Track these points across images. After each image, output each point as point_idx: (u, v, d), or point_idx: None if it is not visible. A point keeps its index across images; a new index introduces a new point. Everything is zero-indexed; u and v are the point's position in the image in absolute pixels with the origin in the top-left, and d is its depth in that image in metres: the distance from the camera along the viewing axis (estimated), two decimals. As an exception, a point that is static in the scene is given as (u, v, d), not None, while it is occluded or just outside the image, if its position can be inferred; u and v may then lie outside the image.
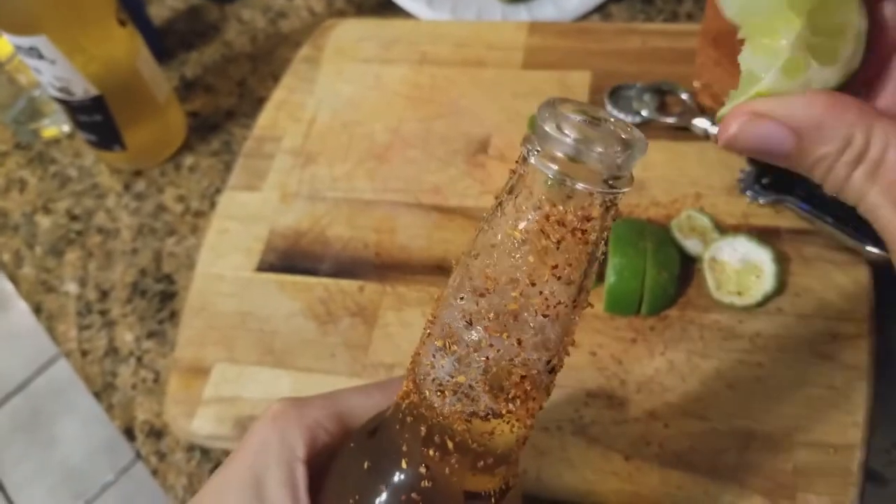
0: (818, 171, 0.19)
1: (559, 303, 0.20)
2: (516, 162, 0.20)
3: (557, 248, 0.20)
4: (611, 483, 0.38)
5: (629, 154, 0.19)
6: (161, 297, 0.51)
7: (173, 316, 0.50)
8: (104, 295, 0.52)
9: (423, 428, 0.23)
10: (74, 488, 1.29)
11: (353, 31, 0.62)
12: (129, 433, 0.46)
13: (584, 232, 0.20)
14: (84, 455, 1.32)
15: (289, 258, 0.49)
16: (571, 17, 0.62)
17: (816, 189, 0.44)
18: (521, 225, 0.20)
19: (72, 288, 0.52)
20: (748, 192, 0.46)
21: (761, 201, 0.46)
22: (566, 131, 0.19)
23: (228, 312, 0.47)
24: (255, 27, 0.67)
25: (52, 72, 0.48)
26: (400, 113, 0.56)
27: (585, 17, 0.62)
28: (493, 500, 0.24)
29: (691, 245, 0.45)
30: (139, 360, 0.48)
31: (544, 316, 0.21)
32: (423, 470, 0.23)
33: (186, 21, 0.69)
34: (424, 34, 0.60)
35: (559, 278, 0.20)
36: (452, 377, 0.22)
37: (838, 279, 0.43)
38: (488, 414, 0.22)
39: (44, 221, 0.57)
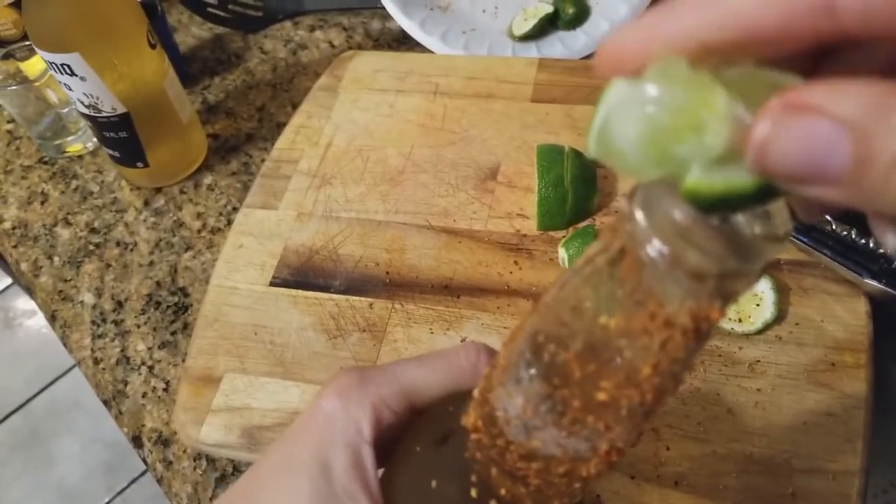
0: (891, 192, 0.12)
1: (657, 391, 0.18)
2: (616, 220, 0.17)
3: (662, 348, 0.17)
4: (612, 501, 0.39)
5: (763, 251, 0.15)
6: (175, 309, 0.52)
7: (186, 327, 0.51)
8: (119, 305, 0.53)
9: (493, 469, 0.21)
10: (69, 510, 1.28)
11: (369, 63, 0.64)
12: (136, 441, 0.47)
13: (697, 330, 0.16)
14: (81, 476, 1.32)
15: (302, 274, 0.50)
16: (579, 55, 0.65)
17: (815, 223, 0.46)
18: (617, 319, 0.17)
19: (88, 298, 0.54)
20: (749, 224, 0.47)
21: (762, 233, 0.47)
22: (677, 213, 0.15)
23: (241, 324, 0.48)
24: (276, 57, 0.70)
25: (82, 88, 0.51)
26: (412, 140, 0.58)
27: (592, 55, 0.65)
28: None
29: (693, 272, 0.46)
30: (150, 369, 0.49)
31: (640, 404, 0.18)
32: None
33: (210, 49, 0.71)
34: (438, 67, 0.63)
35: (660, 374, 0.17)
36: (527, 440, 0.20)
37: (837, 310, 0.44)
38: (564, 474, 0.20)
39: (63, 233, 0.58)
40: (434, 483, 0.23)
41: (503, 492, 0.21)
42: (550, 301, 0.19)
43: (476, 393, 0.22)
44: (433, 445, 0.24)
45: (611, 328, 0.17)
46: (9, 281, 1.58)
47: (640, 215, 0.16)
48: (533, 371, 0.19)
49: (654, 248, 0.15)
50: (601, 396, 0.18)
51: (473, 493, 0.22)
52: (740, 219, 0.15)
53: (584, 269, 0.18)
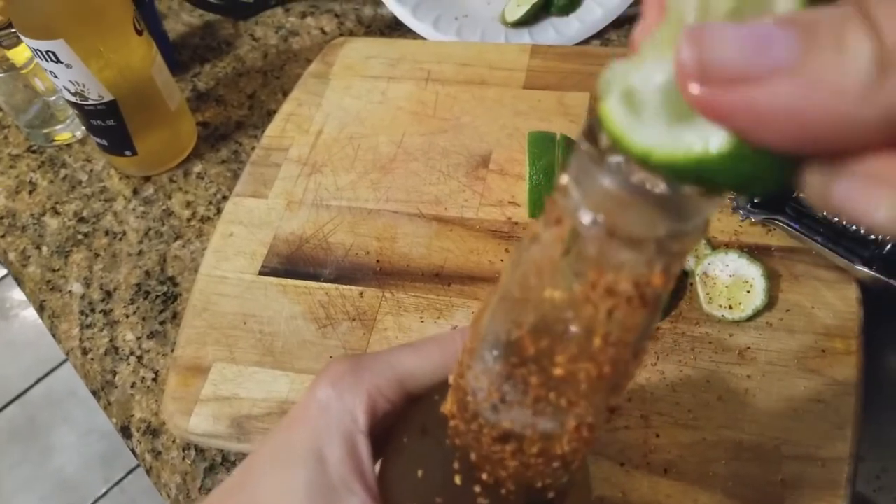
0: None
1: (616, 361, 0.17)
2: (555, 189, 0.16)
3: (609, 318, 0.16)
4: (600, 489, 0.39)
5: (699, 208, 0.15)
6: (164, 298, 0.52)
7: (175, 317, 0.51)
8: (108, 295, 0.53)
9: (472, 454, 0.21)
10: (66, 499, 1.28)
11: (361, 49, 0.64)
12: (125, 431, 0.47)
13: (642, 297, 0.16)
14: (78, 466, 1.32)
15: (292, 263, 0.50)
16: (572, 42, 0.64)
17: (806, 209, 0.45)
18: (561, 292, 0.17)
19: (76, 288, 0.53)
20: (740, 211, 0.47)
21: (752, 219, 0.47)
22: (606, 181, 0.15)
23: (230, 313, 0.47)
24: (267, 44, 0.69)
25: (67, 76, 0.50)
26: (404, 127, 0.57)
27: (585, 42, 0.64)
28: (556, 500, 0.23)
29: (684, 260, 0.46)
30: (139, 359, 0.49)
31: (599, 378, 0.18)
32: (477, 489, 0.22)
33: (201, 36, 0.71)
34: (430, 54, 0.62)
35: (613, 344, 0.17)
36: (497, 422, 0.20)
37: (828, 297, 0.44)
38: (539, 454, 0.20)
39: (52, 223, 0.58)
40: (420, 472, 0.23)
41: (485, 476, 0.21)
42: (503, 280, 0.19)
43: (451, 379, 0.22)
44: (418, 435, 0.24)
45: (556, 301, 0.17)
46: (3, 272, 1.58)
47: (573, 186, 0.15)
48: (493, 352, 0.19)
49: (589, 217, 0.15)
50: (558, 372, 0.18)
51: (457, 479, 0.22)
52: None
53: (529, 246, 0.17)
